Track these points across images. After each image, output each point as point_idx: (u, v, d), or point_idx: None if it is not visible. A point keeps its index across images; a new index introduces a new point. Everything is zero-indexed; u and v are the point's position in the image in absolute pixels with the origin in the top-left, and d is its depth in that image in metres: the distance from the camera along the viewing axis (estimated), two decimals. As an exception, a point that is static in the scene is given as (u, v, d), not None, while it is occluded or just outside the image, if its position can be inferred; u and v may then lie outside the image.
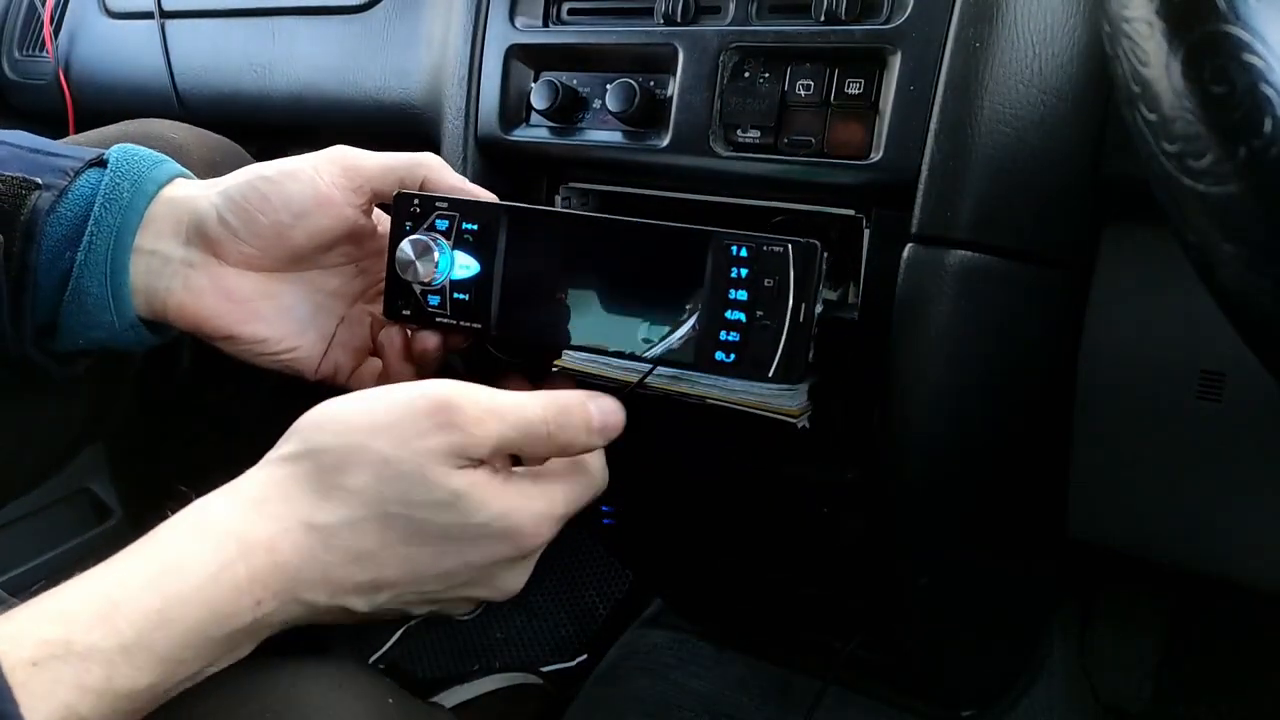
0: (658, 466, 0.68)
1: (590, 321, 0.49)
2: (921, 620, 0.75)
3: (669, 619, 1.03)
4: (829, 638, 0.86)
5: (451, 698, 0.98)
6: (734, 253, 0.45)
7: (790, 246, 0.44)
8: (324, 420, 0.40)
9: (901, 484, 0.55)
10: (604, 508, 0.80)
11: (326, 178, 0.49)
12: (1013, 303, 0.51)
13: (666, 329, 0.47)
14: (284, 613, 0.38)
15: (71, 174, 0.48)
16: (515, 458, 0.43)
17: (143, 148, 0.51)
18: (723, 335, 0.46)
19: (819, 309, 0.49)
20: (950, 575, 0.69)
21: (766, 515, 0.69)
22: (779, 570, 0.79)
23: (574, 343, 0.49)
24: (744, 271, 0.45)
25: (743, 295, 0.45)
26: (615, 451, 0.69)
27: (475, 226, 0.50)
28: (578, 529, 1.16)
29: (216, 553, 0.36)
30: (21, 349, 0.48)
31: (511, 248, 0.49)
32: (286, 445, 0.40)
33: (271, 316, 0.51)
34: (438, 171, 0.52)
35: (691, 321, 0.46)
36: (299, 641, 0.43)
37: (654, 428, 0.59)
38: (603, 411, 0.44)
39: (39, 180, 0.47)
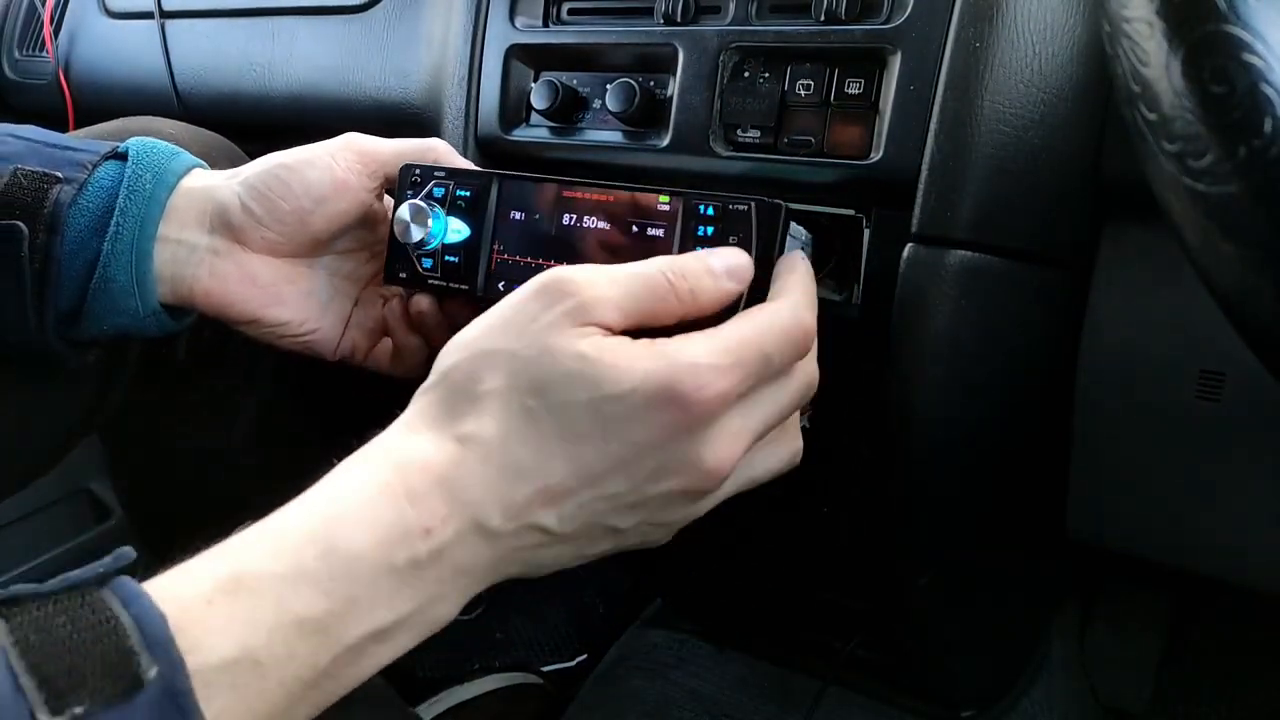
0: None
1: None
2: (921, 620, 0.75)
3: (669, 619, 1.03)
4: (829, 638, 0.86)
5: (451, 697, 0.98)
6: (701, 211, 0.46)
7: (753, 205, 0.45)
8: (451, 345, 0.39)
9: (901, 483, 0.55)
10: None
11: (343, 164, 0.51)
12: (1012, 303, 0.51)
13: None
14: (467, 547, 0.35)
15: (90, 167, 0.49)
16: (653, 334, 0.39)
17: (157, 140, 0.52)
18: None
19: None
20: (950, 575, 0.69)
21: (766, 515, 0.69)
22: (779, 570, 0.79)
23: None
24: (710, 230, 0.46)
25: None
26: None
27: (468, 193, 0.51)
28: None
29: (373, 474, 0.35)
30: (43, 336, 0.50)
31: (500, 213, 0.51)
32: (426, 381, 0.39)
33: (293, 300, 0.53)
34: (446, 156, 0.54)
35: None
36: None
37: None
38: (722, 256, 0.41)
39: (59, 174, 0.49)
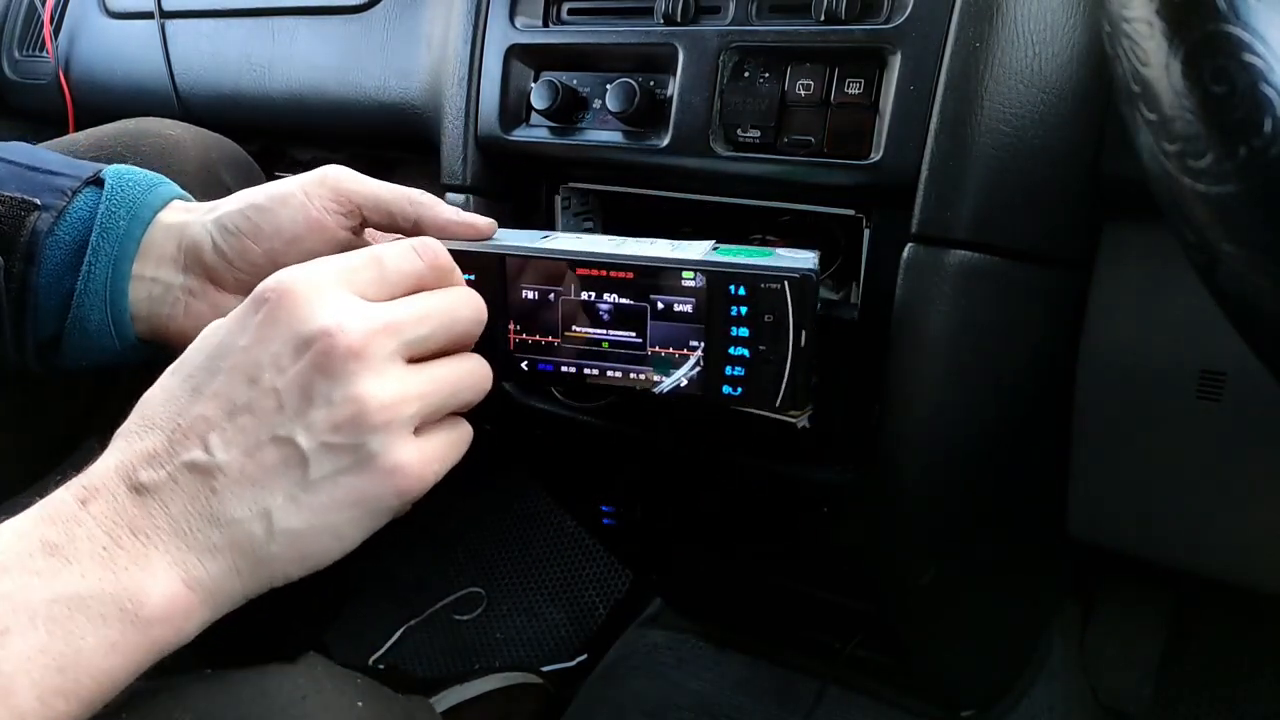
0: (658, 466, 0.68)
1: (599, 358, 0.48)
2: (922, 620, 0.75)
3: (669, 619, 1.03)
4: (829, 638, 0.86)
5: (451, 697, 0.98)
6: (732, 291, 0.45)
7: (786, 284, 0.45)
8: None
9: (901, 483, 0.55)
10: (604, 508, 0.80)
11: (317, 203, 0.48)
12: (1012, 303, 0.51)
13: (672, 364, 0.47)
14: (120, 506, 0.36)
15: (69, 194, 0.48)
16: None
17: (137, 169, 0.51)
18: (729, 370, 0.46)
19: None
20: (950, 575, 0.69)
21: (767, 515, 0.69)
22: (779, 570, 0.79)
23: (584, 379, 0.48)
24: (744, 309, 0.45)
25: (744, 332, 0.46)
26: (617, 452, 0.69)
27: (473, 276, 0.48)
28: (577, 529, 1.16)
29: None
30: (24, 365, 0.49)
31: (513, 292, 0.48)
32: None
33: None
34: (431, 209, 0.49)
35: (696, 357, 0.47)
36: (282, 643, 0.41)
37: (654, 428, 0.59)
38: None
39: (38, 201, 0.47)
